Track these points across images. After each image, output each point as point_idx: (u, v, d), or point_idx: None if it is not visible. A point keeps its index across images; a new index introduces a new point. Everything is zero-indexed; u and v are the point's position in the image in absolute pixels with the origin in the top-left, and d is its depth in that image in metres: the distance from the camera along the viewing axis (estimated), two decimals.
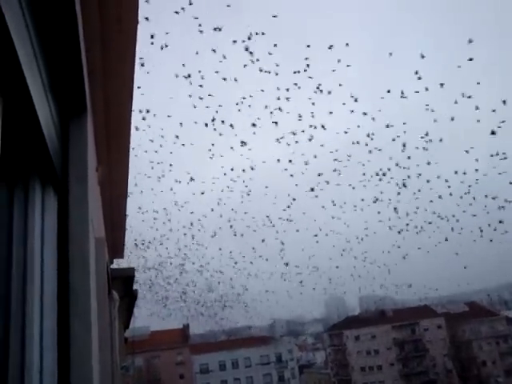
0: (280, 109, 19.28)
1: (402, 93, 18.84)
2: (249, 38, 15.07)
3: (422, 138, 21.82)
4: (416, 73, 16.90)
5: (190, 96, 18.80)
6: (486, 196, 25.96)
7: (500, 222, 24.23)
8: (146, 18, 11.95)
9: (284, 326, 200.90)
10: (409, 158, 22.54)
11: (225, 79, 17.86)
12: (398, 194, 26.13)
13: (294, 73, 17.23)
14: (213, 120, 18.57)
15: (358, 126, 24.93)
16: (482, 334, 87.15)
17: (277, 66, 17.49)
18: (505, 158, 19.13)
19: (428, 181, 25.65)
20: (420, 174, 24.69)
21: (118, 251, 10.86)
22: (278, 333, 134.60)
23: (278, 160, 25.40)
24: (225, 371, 77.04)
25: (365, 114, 20.62)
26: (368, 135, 22.26)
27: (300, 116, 20.36)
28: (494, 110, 18.11)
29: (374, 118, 21.05)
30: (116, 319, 7.36)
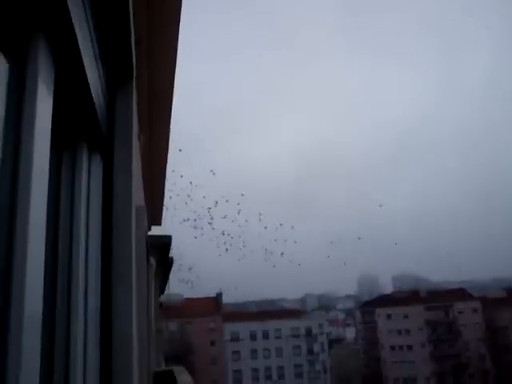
0: None
1: None
2: None
3: None
4: None
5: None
6: None
7: None
8: None
9: (316, 301, 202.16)
10: None
11: None
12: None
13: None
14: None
15: None
16: None
17: None
18: None
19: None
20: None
21: (156, 219, 11.12)
22: (310, 307, 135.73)
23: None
24: (255, 341, 78.52)
25: None
26: None
27: None
28: None
29: None
30: (152, 284, 7.59)
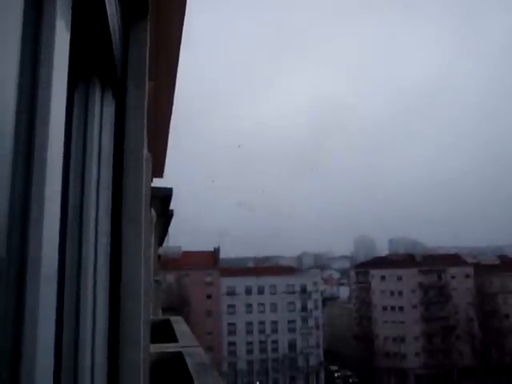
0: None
1: None
2: None
3: None
4: None
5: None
6: None
7: None
8: None
9: (312, 260, 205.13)
10: None
11: None
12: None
13: None
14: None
15: None
16: (510, 288, 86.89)
17: None
18: None
19: None
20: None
21: (159, 171, 11.07)
22: (306, 265, 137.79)
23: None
24: (250, 295, 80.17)
25: None
26: None
27: None
28: None
29: None
30: (152, 235, 7.63)
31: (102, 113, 1.62)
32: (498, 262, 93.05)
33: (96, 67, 1.52)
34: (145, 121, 1.89)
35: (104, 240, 1.60)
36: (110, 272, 1.66)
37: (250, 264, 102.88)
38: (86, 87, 1.49)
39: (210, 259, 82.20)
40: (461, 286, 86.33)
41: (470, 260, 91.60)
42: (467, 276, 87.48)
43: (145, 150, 2.47)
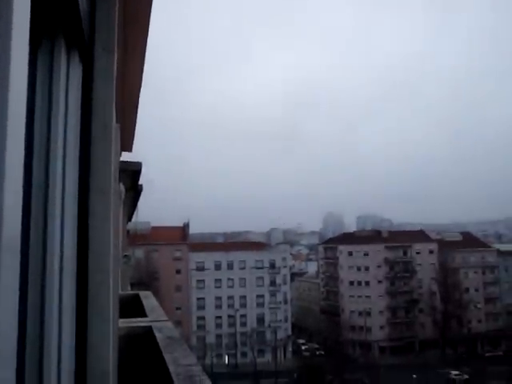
0: None
1: None
2: None
3: None
4: None
5: None
6: None
7: None
8: None
9: (281, 235, 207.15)
10: None
11: None
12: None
13: None
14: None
15: None
16: (471, 263, 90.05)
17: None
18: None
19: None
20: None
21: (128, 144, 10.83)
22: (275, 240, 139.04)
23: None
24: (220, 271, 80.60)
25: None
26: None
27: None
28: None
29: None
30: (121, 209, 7.50)
31: (69, 76, 1.52)
32: (460, 238, 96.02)
33: (61, 24, 1.42)
34: (114, 88, 1.81)
35: (71, 211, 1.53)
36: (78, 243, 1.59)
37: (220, 239, 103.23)
38: (50, 46, 1.39)
39: (180, 234, 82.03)
40: (425, 261, 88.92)
41: (434, 236, 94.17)
42: (431, 252, 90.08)
43: (114, 120, 2.37)
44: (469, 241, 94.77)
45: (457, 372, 65.06)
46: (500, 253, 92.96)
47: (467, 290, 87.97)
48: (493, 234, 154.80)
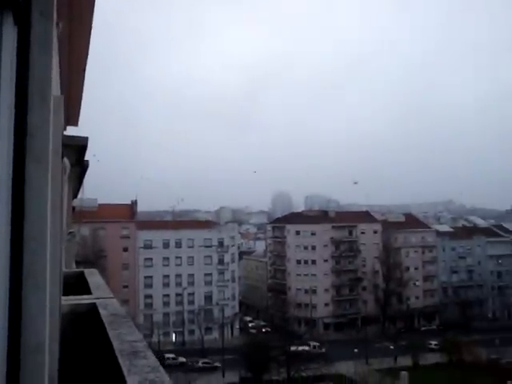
0: None
1: None
2: None
3: None
4: None
5: None
6: None
7: None
8: None
9: (230, 214, 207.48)
10: None
11: None
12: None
13: None
14: None
15: None
16: (412, 243, 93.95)
17: None
18: None
19: None
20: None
21: (73, 118, 10.45)
22: (224, 219, 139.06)
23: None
24: (168, 249, 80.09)
25: None
26: None
27: None
28: None
29: None
30: (65, 186, 7.27)
31: (2, 39, 1.42)
32: (403, 219, 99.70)
33: None
34: (53, 56, 1.72)
35: (4, 178, 1.46)
36: (13, 211, 1.53)
37: (168, 218, 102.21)
38: None
39: (127, 212, 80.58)
40: (369, 241, 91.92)
41: (378, 217, 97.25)
42: (375, 232, 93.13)
43: (54, 90, 2.28)
44: (410, 222, 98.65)
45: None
46: (438, 233, 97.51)
47: (407, 268, 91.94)
48: (433, 215, 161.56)
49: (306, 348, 68.51)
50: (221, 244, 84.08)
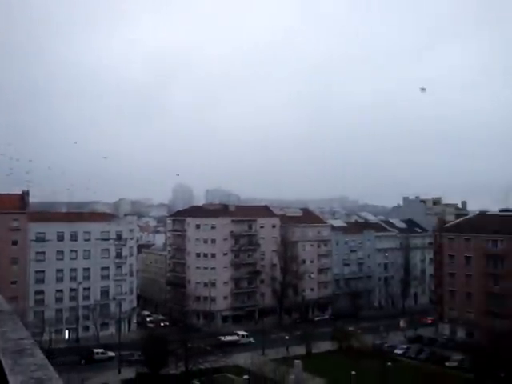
0: None
1: None
2: None
3: None
4: None
5: None
6: None
7: None
8: None
9: (129, 206, 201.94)
10: None
11: None
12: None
13: None
14: None
15: None
16: (308, 237, 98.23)
17: None
18: None
19: None
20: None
21: None
22: (123, 212, 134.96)
23: None
24: (62, 242, 76.43)
25: None
26: None
27: None
28: None
29: None
30: None
31: None
32: (300, 214, 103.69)
33: None
34: None
35: None
36: None
37: (64, 210, 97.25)
38: None
39: (18, 203, 75.49)
40: (268, 235, 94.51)
41: (277, 212, 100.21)
42: (274, 226, 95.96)
43: None
44: (307, 216, 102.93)
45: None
46: (333, 228, 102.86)
47: (304, 261, 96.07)
48: (328, 210, 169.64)
49: (236, 338, 72.23)
50: (119, 237, 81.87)
